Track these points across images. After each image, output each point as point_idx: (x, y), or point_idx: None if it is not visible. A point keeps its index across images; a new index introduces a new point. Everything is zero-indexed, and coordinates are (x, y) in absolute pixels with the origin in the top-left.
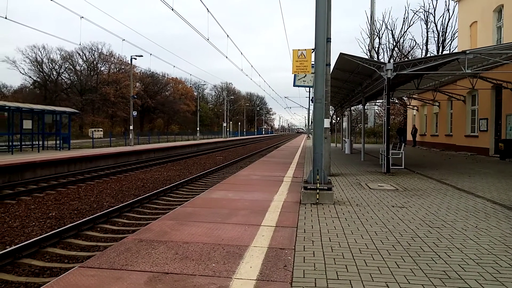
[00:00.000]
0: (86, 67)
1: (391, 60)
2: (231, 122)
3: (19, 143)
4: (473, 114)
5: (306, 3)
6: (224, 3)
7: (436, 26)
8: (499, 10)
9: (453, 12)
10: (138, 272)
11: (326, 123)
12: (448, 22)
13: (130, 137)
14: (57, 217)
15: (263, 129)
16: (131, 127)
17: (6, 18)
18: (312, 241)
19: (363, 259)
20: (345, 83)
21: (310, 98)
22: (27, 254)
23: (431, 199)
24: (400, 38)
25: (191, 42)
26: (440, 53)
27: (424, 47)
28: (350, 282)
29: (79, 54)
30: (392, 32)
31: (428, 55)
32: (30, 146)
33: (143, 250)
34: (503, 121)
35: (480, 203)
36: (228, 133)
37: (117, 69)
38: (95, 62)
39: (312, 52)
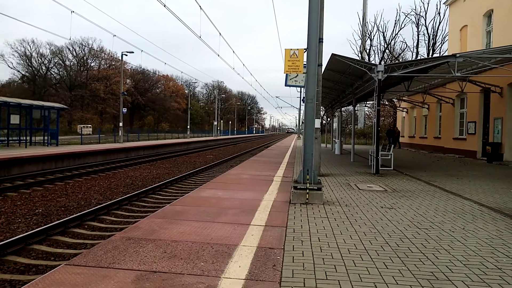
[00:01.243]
0: (76, 62)
1: (382, 62)
2: (222, 121)
3: (6, 138)
4: (462, 117)
5: (299, 6)
6: (218, 3)
7: (427, 29)
8: (488, 15)
9: (444, 15)
10: (125, 270)
11: (317, 123)
12: (439, 25)
13: (120, 134)
14: (44, 214)
15: (254, 129)
16: (121, 124)
17: None
18: (302, 241)
19: (352, 259)
20: (336, 84)
21: (302, 98)
22: (12, 251)
23: (419, 200)
24: (392, 40)
25: (183, 40)
26: (430, 56)
27: (415, 49)
28: (339, 282)
29: (69, 49)
30: (383, 34)
31: (419, 58)
32: (17, 142)
33: (131, 248)
34: (490, 124)
35: (468, 205)
36: (218, 132)
37: (108, 65)
38: (85, 58)
39: (304, 52)
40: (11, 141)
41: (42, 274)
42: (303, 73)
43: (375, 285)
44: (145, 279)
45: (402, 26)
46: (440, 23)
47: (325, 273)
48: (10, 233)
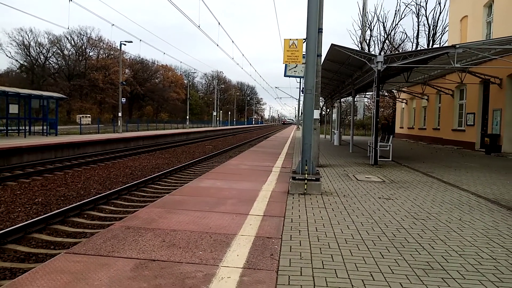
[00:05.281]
0: (74, 51)
1: (382, 53)
2: (221, 111)
3: (5, 128)
4: (461, 108)
5: None
6: None
7: (427, 19)
8: (489, 5)
9: (444, 6)
10: (124, 258)
11: (316, 114)
12: (439, 16)
13: (119, 124)
14: (44, 203)
15: (253, 119)
16: (120, 114)
17: None
18: (299, 230)
19: (349, 249)
20: (335, 74)
21: (301, 89)
22: (13, 240)
23: (417, 191)
24: (392, 30)
25: (182, 31)
26: (430, 47)
27: (415, 40)
28: (335, 271)
29: (67, 38)
30: (383, 25)
31: (419, 48)
32: (16, 131)
33: (130, 237)
34: (489, 116)
35: (465, 196)
36: (218, 123)
37: (106, 54)
38: (83, 47)
39: (304, 42)
40: (10, 131)
41: (42, 262)
42: (303, 63)
43: (371, 274)
44: (144, 267)
45: (403, 16)
46: (440, 13)
47: (322, 262)
48: (10, 222)
